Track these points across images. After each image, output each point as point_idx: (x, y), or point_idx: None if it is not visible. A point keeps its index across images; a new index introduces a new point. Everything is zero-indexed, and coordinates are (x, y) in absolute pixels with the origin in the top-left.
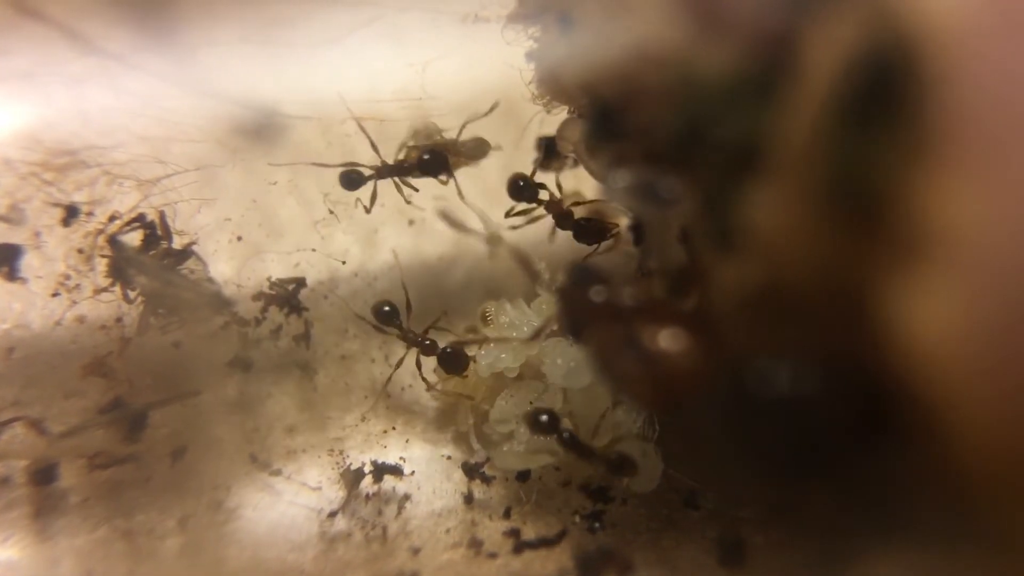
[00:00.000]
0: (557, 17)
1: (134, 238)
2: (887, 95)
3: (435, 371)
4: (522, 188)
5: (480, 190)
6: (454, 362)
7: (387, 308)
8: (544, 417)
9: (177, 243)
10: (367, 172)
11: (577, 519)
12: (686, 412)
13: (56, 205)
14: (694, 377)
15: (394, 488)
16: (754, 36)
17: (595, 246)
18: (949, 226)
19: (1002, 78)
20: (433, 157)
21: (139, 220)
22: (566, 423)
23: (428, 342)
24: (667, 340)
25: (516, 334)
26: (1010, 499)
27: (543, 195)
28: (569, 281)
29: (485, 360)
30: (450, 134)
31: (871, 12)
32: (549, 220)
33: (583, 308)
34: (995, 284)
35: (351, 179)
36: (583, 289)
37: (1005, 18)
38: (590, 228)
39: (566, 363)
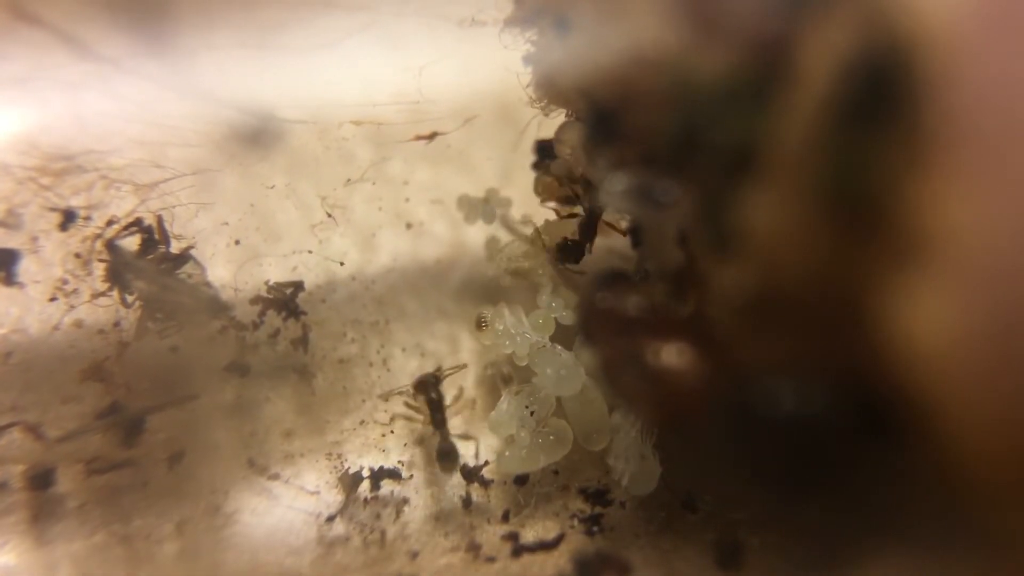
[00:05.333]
0: (554, 21)
1: (132, 243)
2: (883, 99)
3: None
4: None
5: (479, 190)
6: (449, 458)
7: (434, 380)
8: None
9: (175, 247)
10: None
11: (575, 522)
12: (687, 423)
13: (53, 210)
14: (698, 396)
15: (392, 492)
16: (750, 40)
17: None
18: (945, 230)
19: (997, 81)
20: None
21: (136, 224)
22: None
23: (446, 444)
24: (671, 357)
25: (509, 343)
26: (1006, 502)
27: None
28: (591, 288)
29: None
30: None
31: (866, 16)
32: None
33: (596, 314)
34: (991, 287)
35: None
36: (599, 295)
37: (1000, 21)
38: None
39: (556, 371)
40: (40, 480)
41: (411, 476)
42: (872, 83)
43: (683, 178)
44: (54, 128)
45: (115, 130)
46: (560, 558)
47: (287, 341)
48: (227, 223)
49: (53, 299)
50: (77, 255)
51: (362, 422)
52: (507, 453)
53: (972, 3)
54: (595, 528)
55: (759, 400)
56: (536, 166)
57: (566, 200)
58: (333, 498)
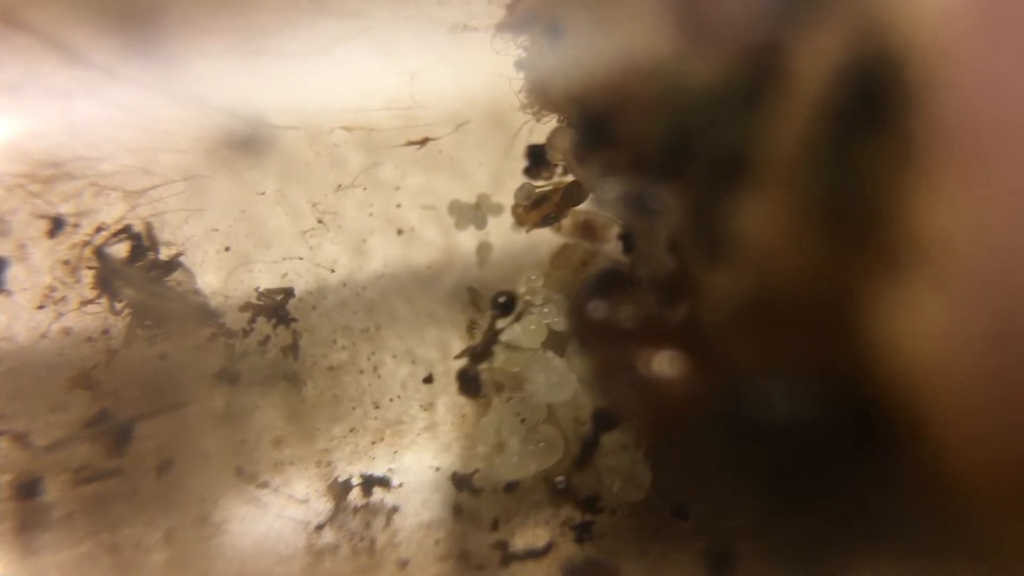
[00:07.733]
0: (546, 27)
1: (121, 250)
2: (874, 105)
3: None
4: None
5: (470, 196)
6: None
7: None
8: None
9: (164, 254)
10: None
11: (565, 530)
12: (678, 430)
13: (42, 217)
14: (689, 402)
15: (382, 500)
16: (742, 46)
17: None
18: (937, 236)
19: (988, 87)
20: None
21: (126, 231)
22: None
23: None
24: (662, 363)
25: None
26: (998, 510)
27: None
28: (584, 293)
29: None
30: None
31: (857, 22)
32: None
33: (589, 320)
34: (983, 294)
35: None
36: (590, 303)
37: (991, 27)
38: None
39: (548, 378)
40: (27, 489)
41: (401, 484)
42: (863, 89)
43: (675, 184)
44: (43, 134)
45: (105, 136)
46: (550, 566)
47: (277, 348)
48: (217, 229)
49: (41, 307)
50: (66, 262)
51: (352, 429)
52: (497, 460)
53: (963, 10)
54: (585, 536)
55: (751, 407)
56: (527, 172)
57: (545, 221)
58: (323, 506)
